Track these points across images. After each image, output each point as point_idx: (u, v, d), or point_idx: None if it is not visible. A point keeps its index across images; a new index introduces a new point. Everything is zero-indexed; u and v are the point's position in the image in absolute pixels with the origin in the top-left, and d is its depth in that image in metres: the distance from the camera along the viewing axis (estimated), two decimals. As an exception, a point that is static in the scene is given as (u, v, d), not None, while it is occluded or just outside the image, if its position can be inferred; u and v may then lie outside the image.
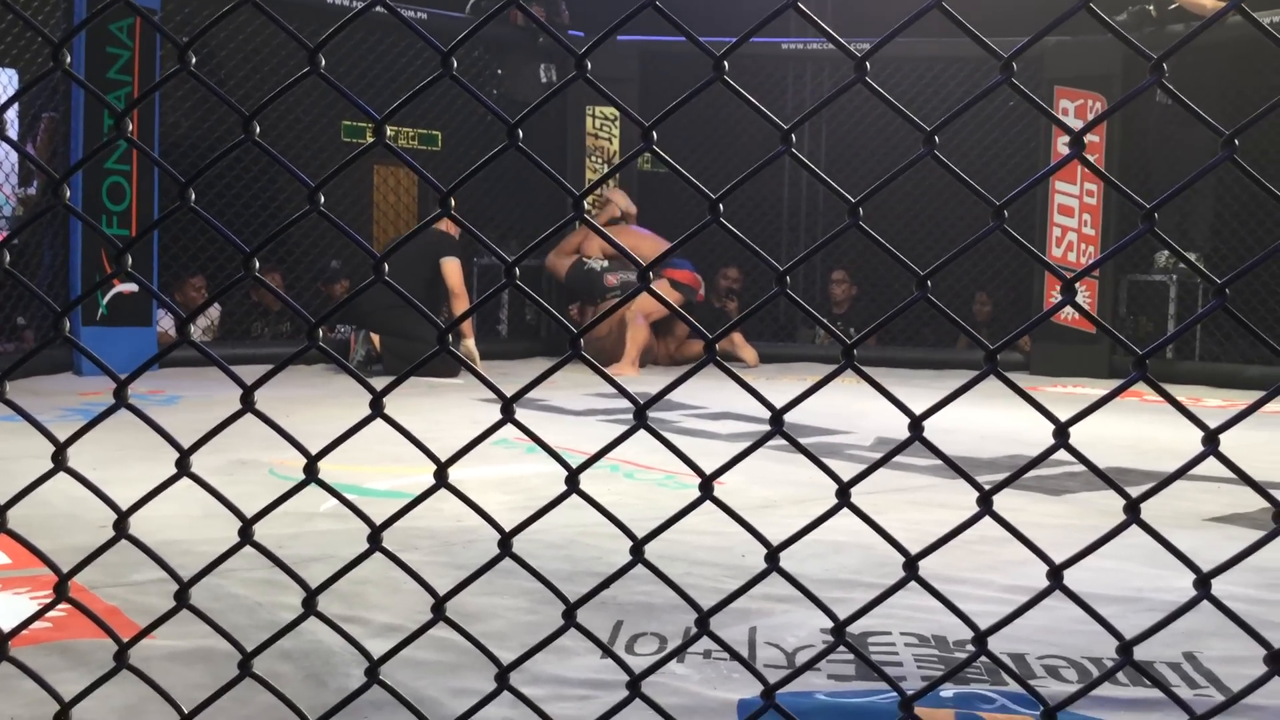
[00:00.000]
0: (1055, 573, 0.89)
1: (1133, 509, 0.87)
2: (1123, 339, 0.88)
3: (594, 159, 8.25)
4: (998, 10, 6.26)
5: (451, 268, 6.62)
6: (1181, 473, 0.90)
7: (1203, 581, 0.87)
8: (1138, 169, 7.42)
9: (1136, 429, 4.48)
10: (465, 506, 1.00)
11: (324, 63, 0.91)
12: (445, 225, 6.78)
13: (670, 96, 7.82)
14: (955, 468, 0.90)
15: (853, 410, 4.76)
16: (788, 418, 0.93)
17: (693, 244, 8.30)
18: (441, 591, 1.01)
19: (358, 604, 1.99)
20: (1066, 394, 6.21)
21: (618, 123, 8.23)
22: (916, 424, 0.89)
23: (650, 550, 1.00)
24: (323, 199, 0.91)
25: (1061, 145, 7.46)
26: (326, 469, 1.00)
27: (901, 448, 0.92)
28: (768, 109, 0.96)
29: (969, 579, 2.20)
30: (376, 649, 1.06)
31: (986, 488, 0.92)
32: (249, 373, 0.96)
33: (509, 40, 7.95)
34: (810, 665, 1.01)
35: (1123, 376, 6.38)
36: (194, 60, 0.90)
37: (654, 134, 0.91)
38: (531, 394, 1.25)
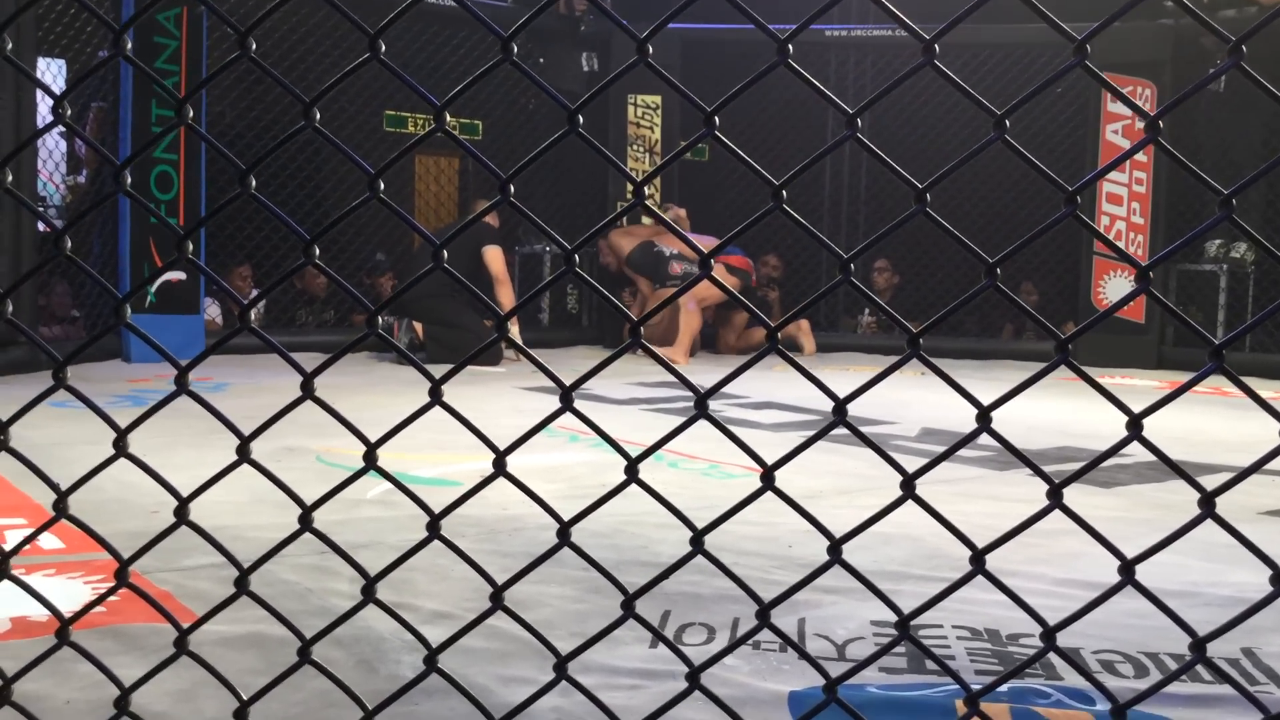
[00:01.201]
0: (1127, 568, 0.87)
1: (1208, 503, 0.85)
2: (1201, 330, 0.85)
3: (635, 147, 8.23)
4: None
5: (494, 255, 6.63)
6: (1257, 467, 0.88)
7: (1279, 578, 0.85)
8: (1188, 155, 7.26)
9: (1187, 420, 4.41)
10: (510, 494, 1.00)
11: (384, 48, 0.90)
12: (490, 217, 6.79)
13: (711, 84, 7.83)
14: (1029, 463, 0.88)
15: (895, 400, 4.73)
16: (832, 408, 0.92)
17: (734, 228, 8.24)
18: (492, 577, 1.01)
19: (406, 591, 1.99)
20: (1115, 385, 6.13)
21: (659, 111, 8.21)
22: (984, 414, 0.87)
23: (704, 540, 0.99)
24: (382, 186, 0.90)
25: (1111, 133, 7.35)
26: (378, 458, 1.00)
27: (969, 439, 0.91)
28: (809, 97, 0.94)
29: (1021, 572, 2.17)
30: (427, 635, 1.06)
31: (1054, 481, 0.90)
32: (298, 361, 0.96)
33: (551, 30, 7.94)
34: (872, 660, 1.00)
35: (1170, 367, 6.26)
36: (254, 47, 0.90)
37: (716, 120, 0.90)
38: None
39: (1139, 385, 6.14)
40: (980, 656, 1.75)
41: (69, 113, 0.92)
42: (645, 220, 7.83)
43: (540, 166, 8.07)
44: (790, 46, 0.86)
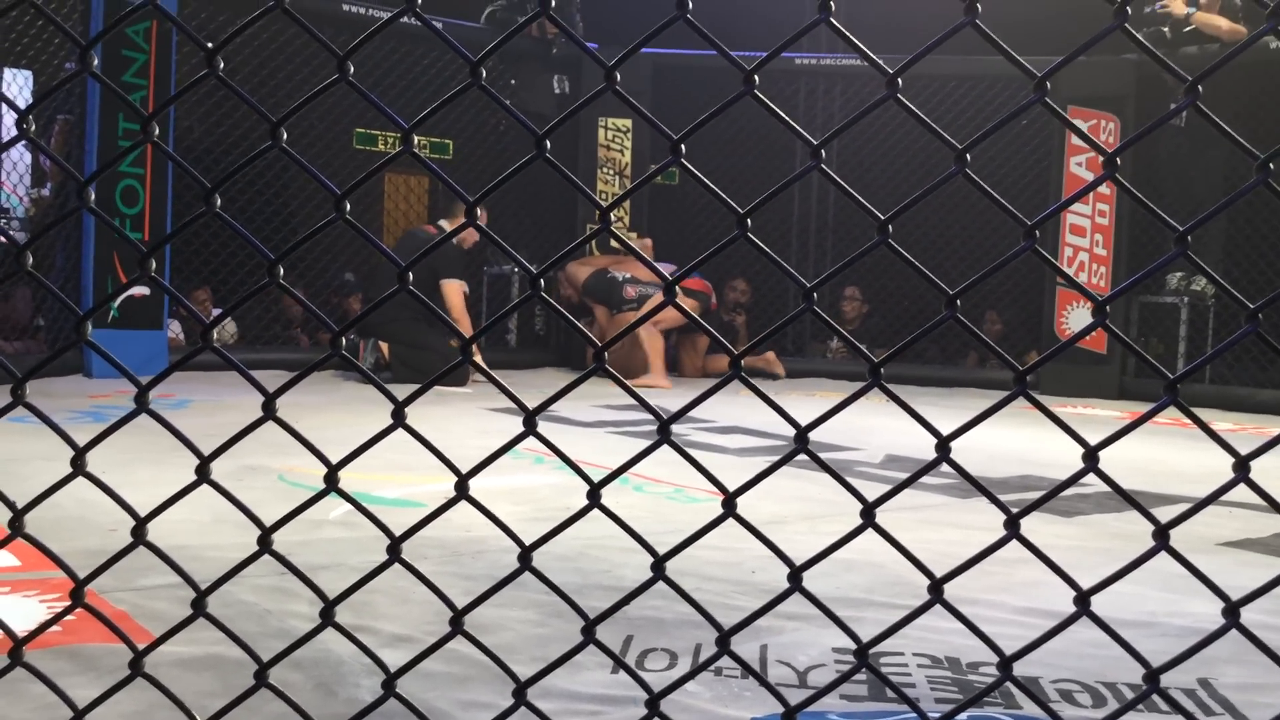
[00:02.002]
0: (1083, 599, 0.88)
1: (1162, 535, 0.86)
2: (1156, 364, 0.87)
3: (605, 170, 8.25)
4: (1010, 28, 6.26)
5: (450, 291, 6.49)
6: (1213, 499, 0.89)
7: (1232, 610, 0.86)
8: (1149, 190, 7.40)
9: (1146, 451, 4.46)
10: (474, 516, 1.00)
11: (352, 70, 0.90)
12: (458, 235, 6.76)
13: (682, 109, 7.88)
14: (986, 493, 0.89)
15: (860, 426, 4.75)
16: (794, 436, 0.92)
17: (702, 253, 8.26)
18: (452, 601, 1.00)
19: (367, 613, 1.98)
20: (1076, 415, 6.18)
21: (629, 134, 8.24)
22: (944, 445, 0.88)
23: (665, 565, 0.99)
24: (349, 206, 0.90)
25: (1075, 165, 7.45)
26: (339, 480, 0.99)
27: (929, 469, 0.91)
28: (778, 124, 0.95)
29: (981, 600, 2.18)
30: (387, 659, 1.05)
31: (1012, 511, 0.91)
32: (263, 379, 0.96)
33: (523, 51, 7.96)
34: (832, 688, 1.00)
35: (1132, 397, 6.31)
36: (221, 65, 0.90)
37: (683, 147, 0.91)
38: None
39: (1100, 415, 6.20)
40: (940, 684, 1.75)
41: (33, 128, 0.91)
42: (613, 244, 7.85)
43: (510, 188, 8.07)
44: (756, 77, 0.87)
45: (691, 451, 0.99)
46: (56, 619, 1.03)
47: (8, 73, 6.19)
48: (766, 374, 7.70)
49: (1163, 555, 0.89)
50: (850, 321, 8.40)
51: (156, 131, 0.91)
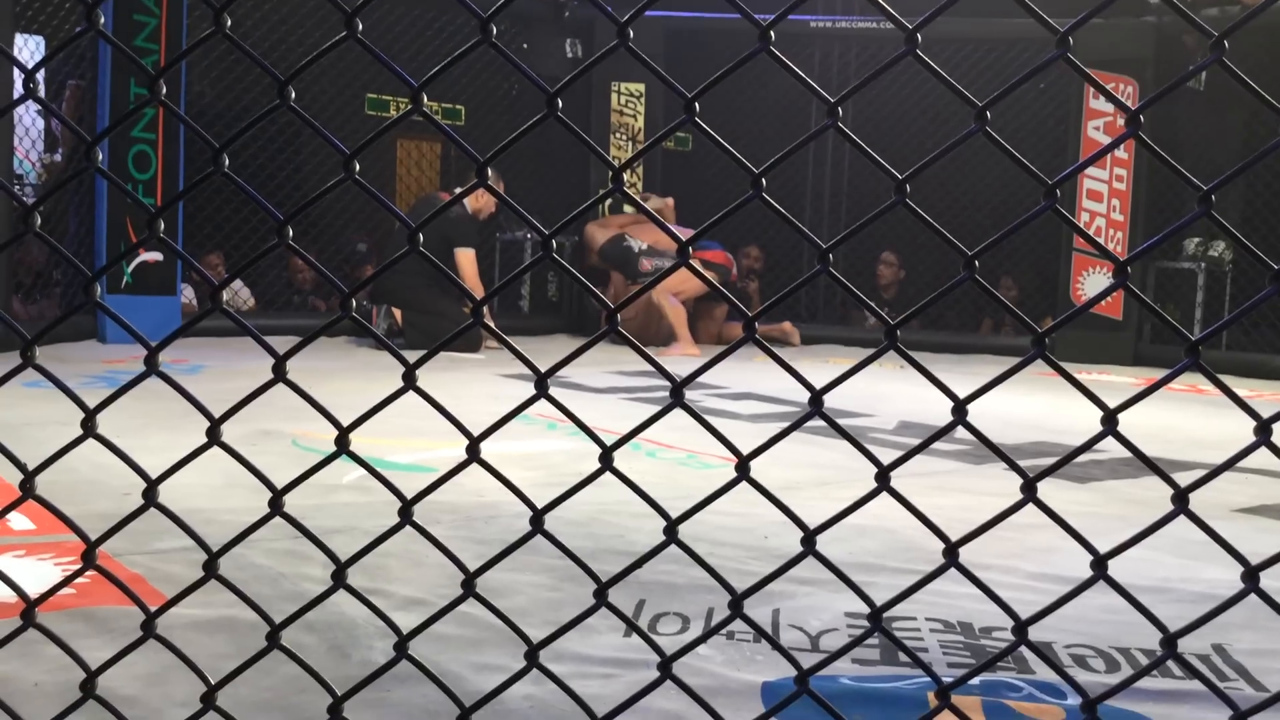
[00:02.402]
0: (1099, 563, 0.87)
1: (1181, 500, 0.85)
2: (1178, 326, 0.85)
3: (618, 135, 8.21)
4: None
5: (464, 259, 6.51)
6: (1231, 464, 0.88)
7: (1251, 575, 0.85)
8: (1169, 153, 7.31)
9: (1162, 417, 4.44)
10: (487, 481, 0.99)
11: (361, 27, 0.89)
12: (472, 200, 6.74)
13: (694, 72, 7.78)
14: (1004, 457, 0.88)
15: (874, 393, 4.74)
16: (808, 399, 0.91)
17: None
18: (464, 564, 1.00)
19: (380, 577, 1.98)
20: (1092, 381, 6.16)
21: (643, 99, 8.19)
22: (960, 408, 0.87)
23: (678, 530, 0.98)
24: (358, 167, 0.89)
25: (1093, 129, 7.37)
26: (350, 442, 0.99)
27: (944, 432, 0.90)
28: (795, 86, 0.94)
29: (995, 565, 2.18)
30: (400, 622, 1.05)
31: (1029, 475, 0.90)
32: (276, 344, 0.95)
33: (534, 15, 7.91)
34: (844, 651, 1.00)
35: (1148, 364, 6.30)
36: (229, 23, 0.88)
37: (696, 106, 0.89)
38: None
39: (1116, 382, 6.18)
40: (953, 649, 1.75)
41: (39, 87, 0.90)
42: (627, 209, 7.82)
43: (522, 154, 8.04)
44: (772, 34, 0.86)
45: (705, 418, 0.98)
46: (68, 581, 1.03)
47: (19, 38, 6.16)
48: (783, 343, 7.69)
49: (1177, 521, 0.88)
50: (887, 289, 8.28)
51: (165, 90, 0.90)
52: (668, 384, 0.94)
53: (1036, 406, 4.60)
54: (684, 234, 7.18)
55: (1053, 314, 7.74)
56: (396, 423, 3.07)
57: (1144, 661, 1.72)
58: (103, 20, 0.94)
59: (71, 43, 0.96)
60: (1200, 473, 0.88)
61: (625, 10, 0.92)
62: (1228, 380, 0.83)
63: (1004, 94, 0.83)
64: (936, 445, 3.70)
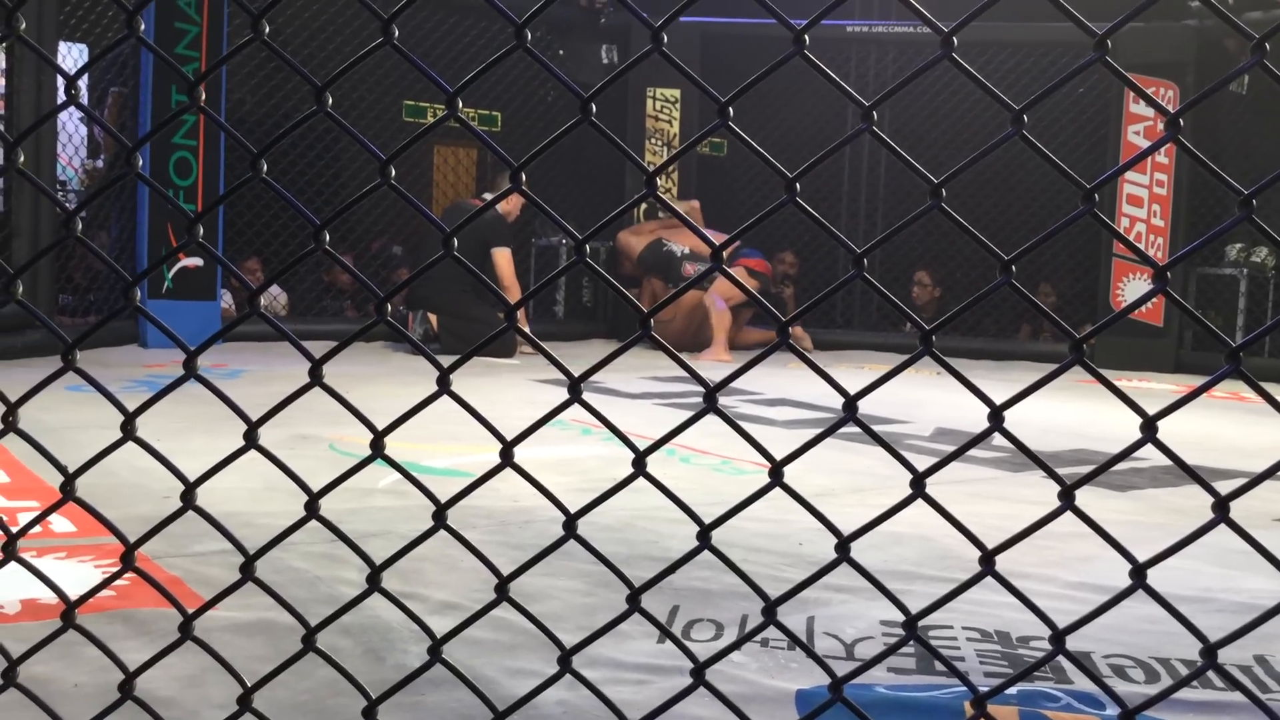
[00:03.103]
0: (1139, 572, 0.86)
1: (1222, 508, 0.83)
2: (1219, 332, 0.84)
3: (654, 140, 8.21)
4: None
5: (501, 258, 6.56)
6: (1272, 472, 0.87)
7: (1293, 585, 0.84)
8: (1210, 158, 7.24)
9: (1202, 424, 4.39)
10: (522, 486, 0.99)
11: (397, 34, 0.90)
12: (504, 204, 6.78)
13: (730, 77, 7.80)
14: (1041, 464, 0.87)
15: (910, 399, 4.71)
16: (842, 405, 0.91)
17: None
18: (498, 568, 1.00)
19: (415, 581, 1.99)
20: (1132, 388, 6.09)
21: (678, 105, 8.19)
22: (997, 414, 0.86)
23: (711, 536, 0.98)
24: (394, 172, 0.90)
25: (1133, 134, 7.30)
26: (385, 446, 0.99)
27: (981, 438, 0.90)
28: (830, 91, 0.94)
29: (1033, 574, 2.16)
30: (434, 626, 1.05)
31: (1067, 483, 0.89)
32: (312, 349, 0.96)
33: (571, 21, 7.93)
34: (879, 660, 0.99)
35: (1188, 371, 6.22)
36: (267, 30, 0.89)
37: (730, 110, 0.89)
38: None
39: (1156, 389, 6.11)
40: (990, 658, 1.73)
41: (81, 94, 0.91)
42: (660, 215, 7.82)
43: (558, 159, 8.06)
44: (807, 38, 0.86)
45: (739, 424, 0.97)
46: (107, 583, 1.04)
47: (63, 46, 6.25)
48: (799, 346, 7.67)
49: (1219, 531, 0.87)
50: (923, 308, 8.21)
51: (204, 97, 0.91)
52: (702, 389, 0.94)
53: (1077, 413, 4.56)
54: (715, 238, 7.20)
55: (1092, 320, 7.67)
56: (432, 428, 3.09)
57: (1184, 672, 1.69)
58: (143, 28, 0.95)
59: (112, 49, 0.97)
60: (1240, 481, 0.87)
61: (660, 15, 0.92)
62: (1271, 388, 0.81)
63: (1041, 96, 0.83)
64: (974, 452, 3.68)
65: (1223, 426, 4.42)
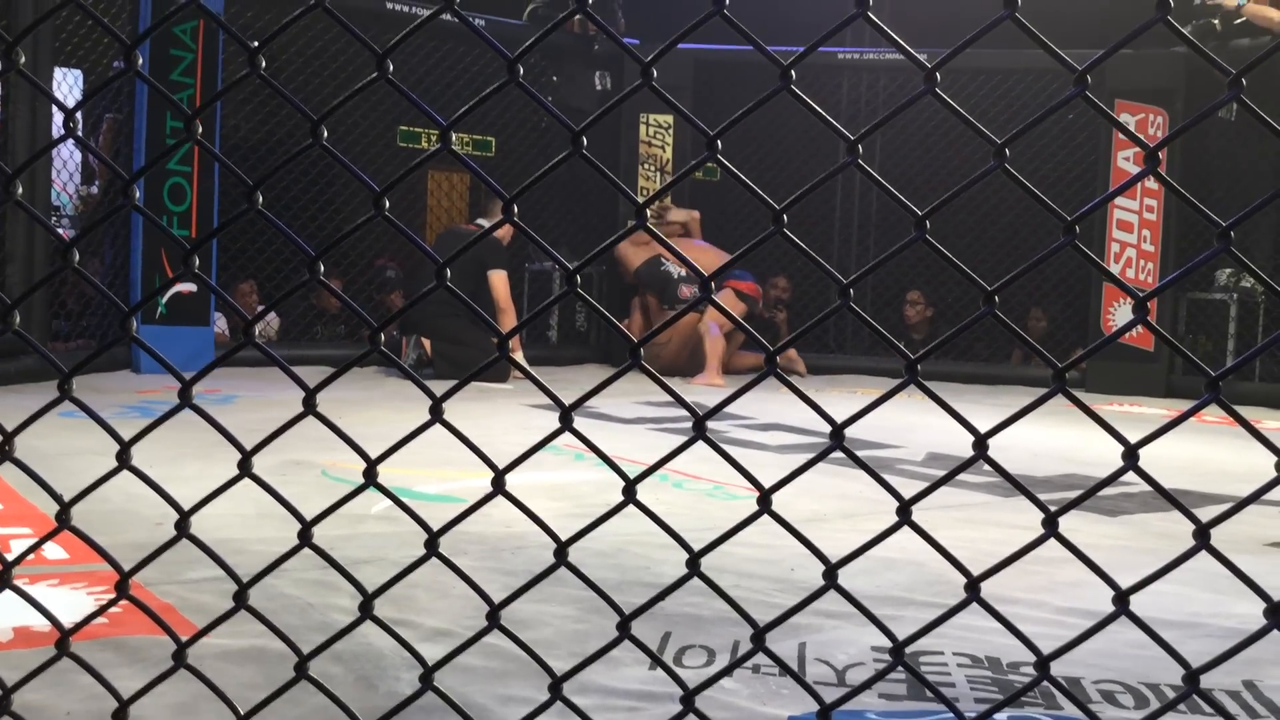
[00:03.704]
0: (1121, 598, 0.87)
1: (1202, 535, 0.85)
2: (1197, 361, 0.85)
3: (647, 166, 8.25)
4: (1056, 21, 6.19)
5: (497, 280, 6.60)
6: (1254, 498, 0.88)
7: (1274, 611, 0.85)
8: (1199, 184, 7.30)
9: (1193, 449, 4.40)
10: (514, 512, 1.00)
11: (391, 69, 0.91)
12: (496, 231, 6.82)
13: (723, 104, 7.86)
14: (1024, 491, 0.88)
15: (902, 424, 4.72)
16: (830, 433, 0.92)
17: (742, 247, 8.25)
18: (492, 597, 1.01)
19: (408, 607, 1.99)
20: (1123, 413, 6.11)
21: (671, 130, 8.23)
22: (981, 442, 0.87)
23: (700, 562, 0.99)
24: (388, 204, 0.91)
25: (1122, 160, 7.35)
26: (379, 474, 1.00)
27: (965, 466, 0.91)
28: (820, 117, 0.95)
29: (1023, 599, 2.17)
30: (426, 653, 1.06)
31: (1051, 509, 0.90)
32: (305, 374, 0.97)
33: (564, 48, 7.98)
34: (867, 686, 1.00)
35: (1180, 395, 6.22)
36: (264, 65, 0.91)
37: (719, 144, 0.91)
38: (583, 401, 1.24)
39: (1147, 413, 6.12)
40: (980, 684, 1.74)
41: (80, 127, 0.93)
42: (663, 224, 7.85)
43: (553, 184, 8.10)
44: (794, 72, 0.87)
45: (731, 449, 0.99)
46: (101, 611, 1.05)
47: (58, 72, 6.28)
48: (789, 371, 7.69)
49: (1207, 555, 0.88)
50: (915, 328, 8.23)
51: (200, 130, 0.92)
52: (691, 415, 0.95)
53: (1067, 438, 4.57)
54: (707, 254, 7.22)
55: (1083, 345, 7.69)
56: (424, 452, 3.09)
57: (1173, 697, 1.70)
58: (140, 61, 0.96)
59: (111, 83, 0.98)
60: (1227, 506, 0.88)
61: (651, 41, 0.94)
62: (1260, 412, 0.83)
63: (1023, 131, 0.84)
64: (966, 477, 3.69)
65: (1214, 451, 4.43)
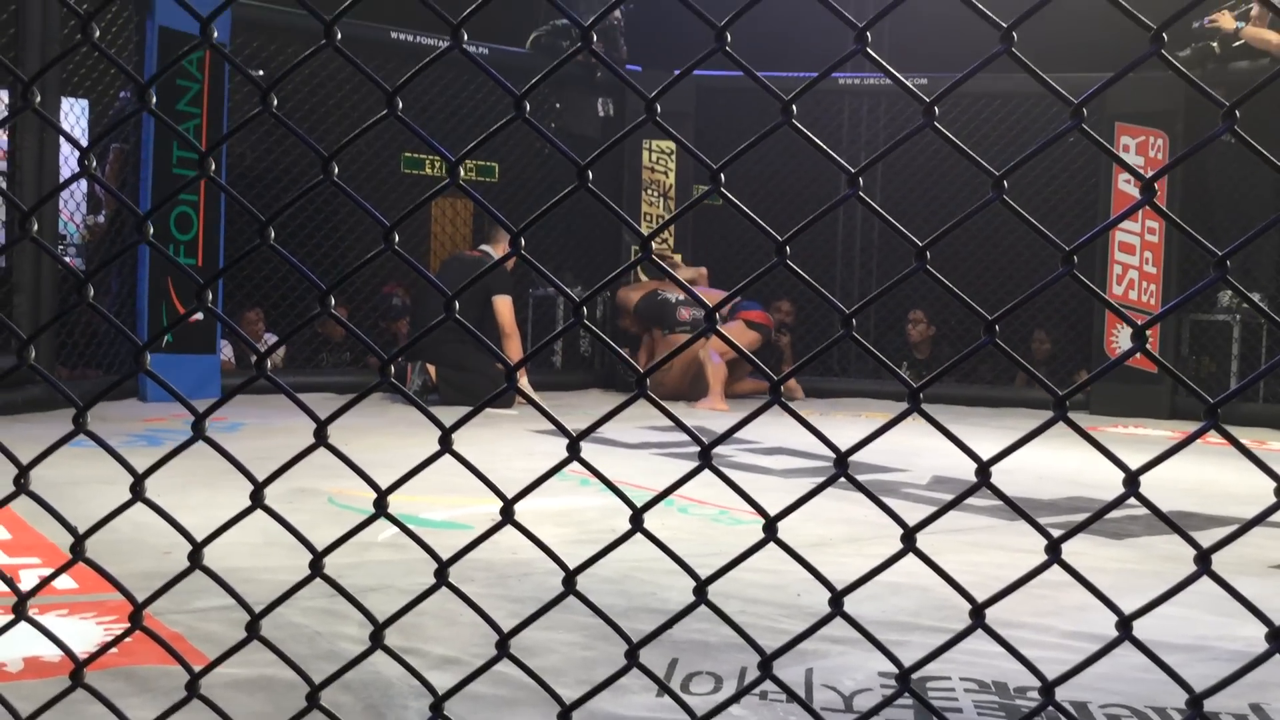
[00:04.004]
0: (1125, 623, 0.88)
1: (1203, 560, 0.86)
2: (1194, 387, 0.87)
3: (650, 192, 8.29)
4: (1058, 45, 6.23)
5: (503, 305, 6.64)
6: (1255, 523, 0.89)
7: (1276, 635, 0.86)
8: (1200, 208, 7.32)
9: (1199, 472, 4.40)
10: (520, 539, 1.01)
11: (401, 106, 0.93)
12: (501, 254, 6.86)
13: (725, 130, 7.90)
14: (1025, 516, 0.89)
15: (907, 447, 4.72)
16: (834, 460, 0.93)
17: (746, 275, 8.29)
18: (499, 624, 1.02)
19: (415, 636, 2.00)
20: (1127, 435, 6.11)
21: (673, 156, 8.28)
22: (984, 469, 0.88)
23: (707, 589, 1.00)
24: (397, 239, 0.93)
25: (1123, 182, 7.38)
26: (389, 505, 1.01)
27: (968, 494, 0.92)
28: (823, 143, 0.97)
29: (1029, 624, 2.17)
30: (434, 681, 1.07)
31: (1054, 534, 0.91)
32: (311, 401, 0.98)
33: (567, 75, 8.03)
34: (874, 712, 1.00)
35: (1184, 417, 6.21)
36: (275, 103, 0.92)
37: (722, 177, 0.92)
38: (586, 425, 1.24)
39: (1152, 435, 6.12)
40: (987, 709, 1.74)
41: (94, 164, 0.95)
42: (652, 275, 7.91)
43: (559, 210, 8.13)
44: (794, 106, 0.89)
45: (736, 474, 1.00)
46: (116, 642, 1.06)
47: (65, 102, 6.33)
48: (788, 397, 7.73)
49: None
50: (918, 346, 8.25)
51: (213, 167, 0.94)
52: (700, 440, 0.97)
53: (1072, 461, 4.57)
54: (714, 294, 7.26)
55: (1087, 367, 7.70)
56: (430, 479, 3.09)
57: (1181, 721, 1.70)
58: (155, 100, 0.98)
59: (125, 121, 1.00)
60: (1235, 528, 0.89)
61: (654, 67, 0.96)
62: (1265, 434, 0.84)
63: (1019, 164, 0.86)
64: (971, 501, 3.68)
65: (1219, 473, 4.43)
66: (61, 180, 5.97)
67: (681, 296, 7.49)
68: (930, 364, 8.15)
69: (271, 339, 7.40)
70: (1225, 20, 7.07)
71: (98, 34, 0.97)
